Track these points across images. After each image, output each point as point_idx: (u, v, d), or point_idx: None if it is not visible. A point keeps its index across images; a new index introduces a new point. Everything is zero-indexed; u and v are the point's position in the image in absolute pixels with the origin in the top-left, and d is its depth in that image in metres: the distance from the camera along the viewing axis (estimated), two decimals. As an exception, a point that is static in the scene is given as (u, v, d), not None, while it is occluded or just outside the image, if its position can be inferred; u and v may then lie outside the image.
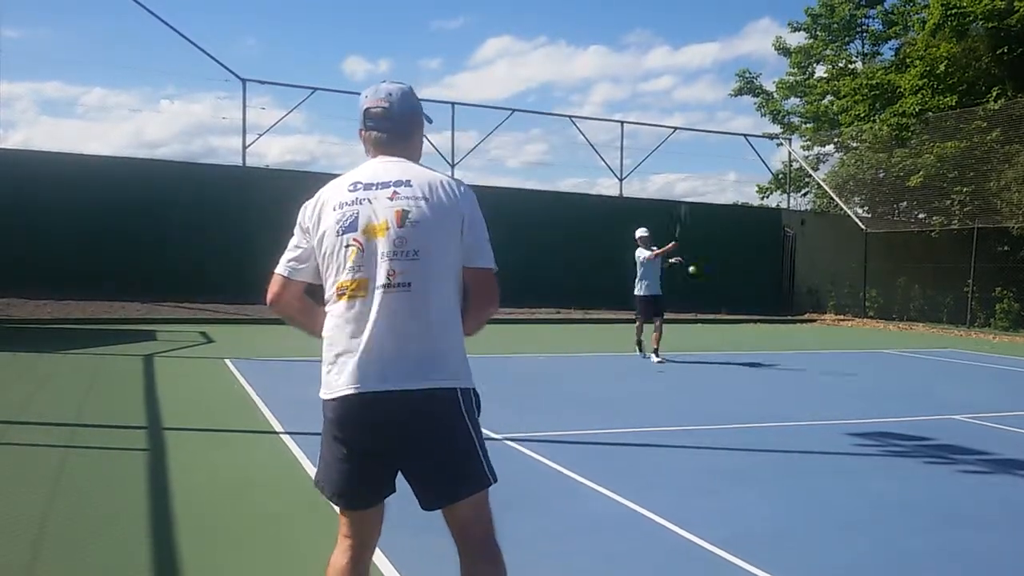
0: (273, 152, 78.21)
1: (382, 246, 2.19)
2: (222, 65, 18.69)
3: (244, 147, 18.53)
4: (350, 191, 2.27)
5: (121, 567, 3.31)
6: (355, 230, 2.22)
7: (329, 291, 2.28)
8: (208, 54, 18.65)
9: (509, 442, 5.64)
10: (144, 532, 3.74)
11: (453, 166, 20.36)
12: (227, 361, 9.58)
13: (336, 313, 2.24)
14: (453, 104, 20.77)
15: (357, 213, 2.23)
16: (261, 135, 19.06)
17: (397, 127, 2.38)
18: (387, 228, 2.20)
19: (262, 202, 17.55)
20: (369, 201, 2.24)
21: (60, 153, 17.07)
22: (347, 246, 2.22)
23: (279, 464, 5.05)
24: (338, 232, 2.24)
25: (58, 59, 46.05)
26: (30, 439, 5.55)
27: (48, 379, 8.15)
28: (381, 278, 2.18)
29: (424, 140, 2.54)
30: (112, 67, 45.96)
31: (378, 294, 2.18)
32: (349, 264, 2.21)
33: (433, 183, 2.28)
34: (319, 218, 2.29)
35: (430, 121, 2.52)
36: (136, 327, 13.70)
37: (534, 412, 6.90)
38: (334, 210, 2.26)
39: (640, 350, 11.17)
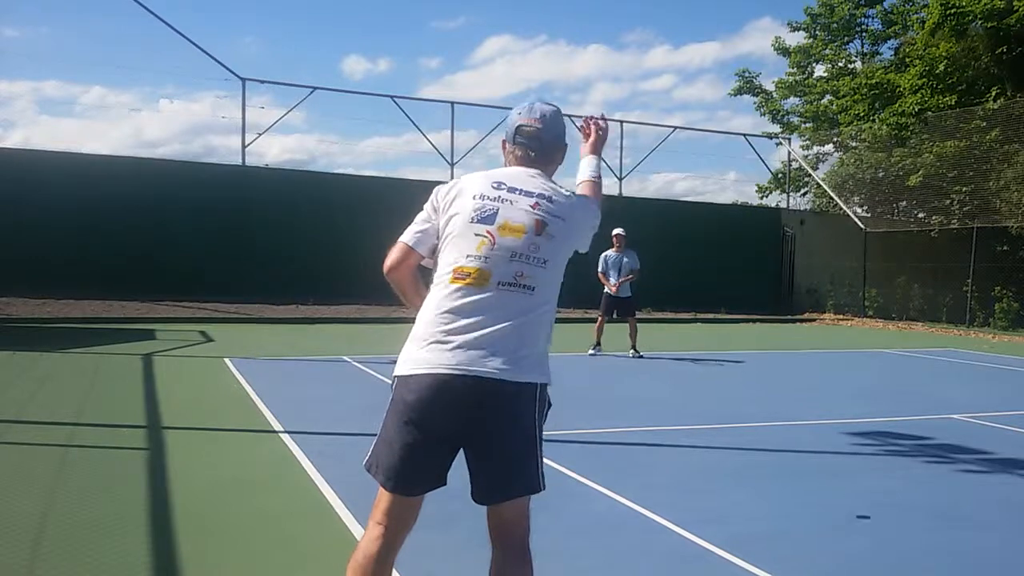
0: (272, 151, 78.26)
1: (516, 246, 2.29)
2: (221, 64, 18.74)
3: (243, 146, 18.55)
4: (494, 188, 2.37)
5: (121, 566, 3.31)
6: (491, 223, 2.31)
7: (444, 270, 2.33)
8: (208, 53, 18.69)
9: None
10: (144, 531, 3.73)
11: (453, 165, 20.35)
12: (226, 360, 9.58)
13: (446, 294, 2.29)
14: (452, 103, 20.76)
15: (497, 209, 2.32)
16: (260, 134, 19.09)
17: (545, 147, 2.49)
18: (525, 232, 2.30)
19: (262, 201, 17.61)
20: (511, 202, 2.34)
21: (59, 152, 17.08)
22: (477, 235, 2.30)
23: (278, 463, 5.05)
24: (471, 220, 2.32)
25: (57, 58, 46.10)
26: (30, 438, 5.55)
27: (48, 378, 8.15)
28: (508, 276, 2.27)
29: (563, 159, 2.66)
30: (111, 66, 45.97)
31: (501, 289, 2.26)
32: (475, 252, 2.29)
33: (572, 205, 2.42)
34: (453, 201, 2.38)
35: (565, 145, 2.62)
36: (135, 326, 13.69)
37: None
38: (473, 199, 2.35)
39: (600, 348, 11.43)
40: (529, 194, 2.36)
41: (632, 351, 11.19)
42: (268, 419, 6.31)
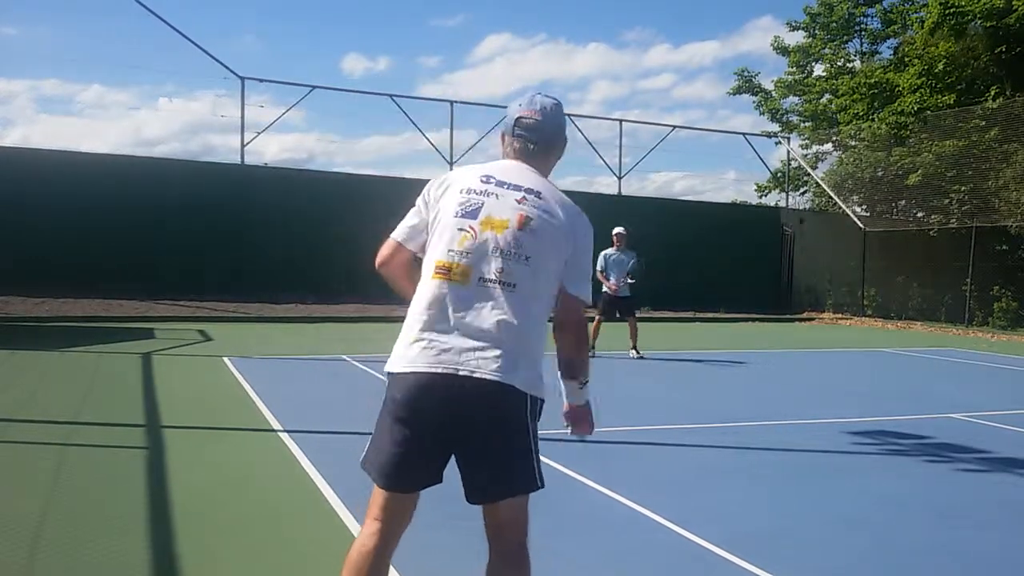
0: (271, 150, 78.25)
1: (497, 241, 2.23)
2: (221, 63, 18.71)
3: (243, 145, 18.54)
4: (482, 182, 2.33)
5: (119, 565, 3.31)
6: (475, 218, 2.26)
7: (428, 266, 2.31)
8: (207, 52, 18.68)
9: (508, 440, 5.64)
10: (143, 530, 3.73)
11: (452, 164, 20.33)
12: (225, 359, 9.57)
13: (430, 290, 2.26)
14: (452, 102, 20.75)
15: (482, 203, 2.28)
16: (259, 133, 19.07)
17: (544, 139, 2.44)
18: (507, 226, 2.24)
19: (260, 200, 17.61)
20: (496, 196, 2.29)
21: (58, 151, 17.05)
22: (460, 229, 2.26)
23: (278, 462, 5.04)
24: (456, 214, 2.28)
25: (56, 56, 46.07)
26: (28, 437, 5.55)
27: (46, 377, 8.14)
28: (490, 272, 2.22)
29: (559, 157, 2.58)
30: (110, 64, 45.96)
31: (482, 285, 2.22)
32: (458, 248, 2.25)
33: (561, 204, 2.33)
34: (442, 195, 2.35)
35: (565, 139, 2.57)
36: (134, 325, 13.68)
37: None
38: (460, 192, 2.32)
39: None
40: (517, 188, 2.31)
41: (633, 351, 11.06)
42: (267, 418, 6.31)
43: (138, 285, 16.18)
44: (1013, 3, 20.70)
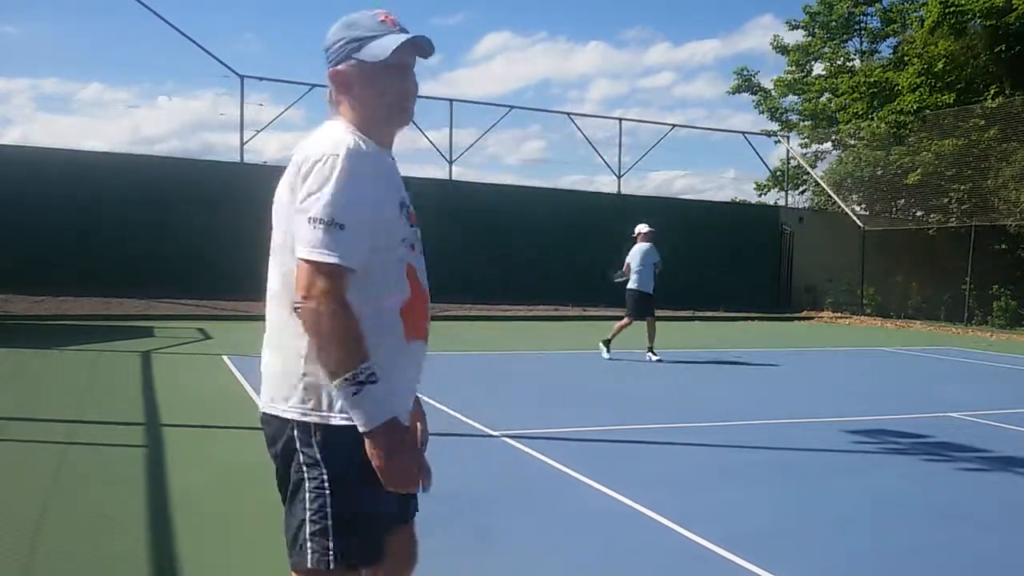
0: (271, 148, 78.03)
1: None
2: (220, 62, 18.70)
3: (242, 143, 18.52)
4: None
5: (119, 564, 3.31)
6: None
7: None
8: (207, 51, 18.76)
9: (507, 439, 5.64)
10: (142, 528, 3.73)
11: (451, 163, 20.33)
12: (225, 358, 9.56)
13: None
14: (451, 101, 20.72)
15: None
16: (259, 131, 19.05)
17: (332, 85, 1.90)
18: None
19: (260, 199, 17.32)
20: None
21: (57, 149, 17.03)
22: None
23: (278, 462, 5.04)
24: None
25: (56, 55, 46.04)
26: (28, 435, 5.54)
27: (46, 375, 8.13)
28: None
29: (365, 91, 1.86)
30: (110, 63, 45.91)
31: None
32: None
33: (304, 152, 1.74)
34: None
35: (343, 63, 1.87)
36: (134, 323, 13.67)
37: (532, 409, 6.90)
38: None
39: (608, 348, 10.67)
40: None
41: (649, 353, 10.56)
42: (267, 417, 6.30)
43: (137, 283, 16.15)
44: (1013, 2, 20.70)
